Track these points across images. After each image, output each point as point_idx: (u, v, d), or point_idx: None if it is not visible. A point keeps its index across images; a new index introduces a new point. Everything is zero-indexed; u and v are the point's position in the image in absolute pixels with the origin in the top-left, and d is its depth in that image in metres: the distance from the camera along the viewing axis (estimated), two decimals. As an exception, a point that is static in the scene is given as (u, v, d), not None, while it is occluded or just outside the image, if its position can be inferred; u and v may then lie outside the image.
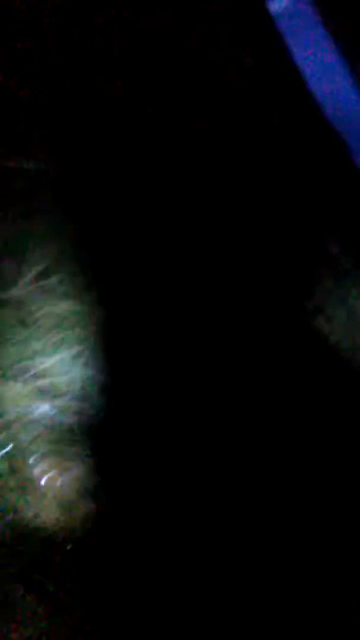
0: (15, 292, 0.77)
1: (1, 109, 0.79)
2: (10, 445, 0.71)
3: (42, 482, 0.68)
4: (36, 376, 0.76)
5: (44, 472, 0.69)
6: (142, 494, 0.69)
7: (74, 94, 0.77)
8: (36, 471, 0.70)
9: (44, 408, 0.75)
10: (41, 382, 0.76)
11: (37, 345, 0.75)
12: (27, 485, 0.67)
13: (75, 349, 0.76)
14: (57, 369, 0.75)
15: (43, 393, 0.76)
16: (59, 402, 0.74)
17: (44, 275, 0.78)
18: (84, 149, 0.78)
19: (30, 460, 0.71)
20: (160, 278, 0.73)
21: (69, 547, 0.66)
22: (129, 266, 0.75)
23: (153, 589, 0.63)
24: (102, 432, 0.72)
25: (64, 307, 0.77)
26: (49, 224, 0.78)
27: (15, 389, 0.75)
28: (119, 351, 0.76)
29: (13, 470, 0.69)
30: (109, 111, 0.75)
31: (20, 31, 0.74)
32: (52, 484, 0.68)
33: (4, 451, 0.70)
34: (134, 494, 0.69)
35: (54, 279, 0.78)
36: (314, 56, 0.55)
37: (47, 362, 0.75)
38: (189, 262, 0.68)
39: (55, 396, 0.75)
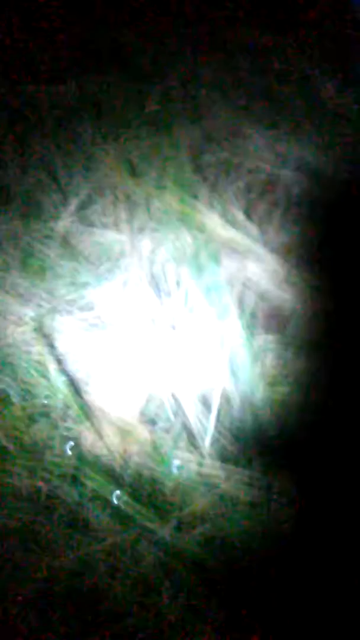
0: (60, 224, 0.77)
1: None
2: (66, 376, 0.73)
3: (103, 407, 0.71)
4: (85, 308, 0.77)
5: (104, 399, 0.71)
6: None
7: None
8: (94, 399, 0.72)
9: (95, 339, 0.76)
10: (90, 314, 0.77)
11: (84, 277, 0.76)
12: (86, 413, 0.69)
13: (121, 279, 0.76)
14: (105, 301, 0.76)
15: (93, 325, 0.77)
16: (108, 333, 0.76)
17: (85, 205, 0.78)
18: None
19: (89, 389, 0.73)
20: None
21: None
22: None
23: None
24: (156, 361, 0.73)
25: (107, 237, 0.77)
26: (89, 152, 0.77)
27: (67, 321, 0.76)
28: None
29: (74, 398, 0.71)
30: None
31: None
32: (112, 409, 0.71)
33: (62, 380, 0.72)
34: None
35: (95, 209, 0.77)
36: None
37: (95, 294, 0.76)
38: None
39: (104, 327, 0.77)
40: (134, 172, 0.76)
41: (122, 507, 0.66)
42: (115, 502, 0.66)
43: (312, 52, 0.71)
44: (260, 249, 0.72)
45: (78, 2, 0.77)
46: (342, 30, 0.71)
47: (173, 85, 0.76)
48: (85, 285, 0.77)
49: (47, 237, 0.78)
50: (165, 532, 0.65)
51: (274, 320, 0.74)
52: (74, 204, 0.78)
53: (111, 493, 0.66)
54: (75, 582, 0.66)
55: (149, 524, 0.66)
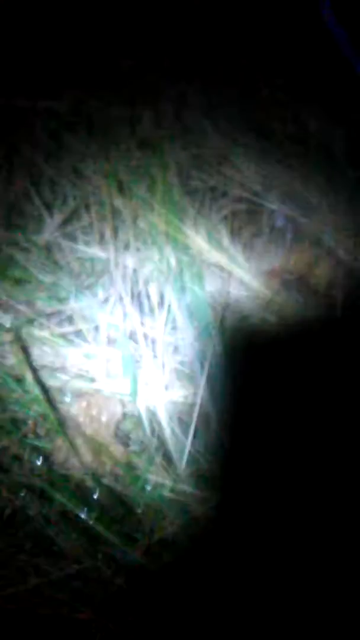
0: (44, 236, 0.76)
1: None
2: (40, 390, 0.71)
3: (77, 423, 0.69)
4: (64, 322, 0.76)
5: (77, 415, 0.69)
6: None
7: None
8: (70, 413, 0.70)
9: (72, 354, 0.75)
10: (69, 328, 0.76)
11: (65, 292, 0.75)
12: (62, 427, 0.67)
13: (103, 296, 0.76)
14: (84, 315, 0.75)
15: (71, 339, 0.76)
16: (86, 348, 0.75)
17: (70, 220, 0.78)
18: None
19: (62, 404, 0.71)
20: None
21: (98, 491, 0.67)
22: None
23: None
24: (134, 378, 0.72)
25: (91, 253, 0.77)
26: (77, 168, 0.78)
27: (44, 334, 0.75)
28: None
29: (46, 413, 0.69)
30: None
31: None
32: (87, 424, 0.69)
33: (34, 395, 0.70)
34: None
35: (80, 224, 0.77)
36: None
37: (75, 309, 0.75)
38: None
39: (83, 342, 0.75)
40: (121, 191, 0.77)
41: (91, 527, 0.64)
42: (84, 521, 0.63)
43: (300, 89, 0.75)
44: (243, 274, 0.73)
45: (76, 23, 0.79)
46: (328, 65, 0.75)
47: (165, 111, 0.78)
48: (65, 299, 0.76)
49: (29, 249, 0.77)
50: (134, 555, 0.63)
51: (254, 344, 0.75)
52: (58, 217, 0.78)
53: (81, 511, 0.64)
54: (36, 610, 0.63)
55: (117, 546, 0.63)
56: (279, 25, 0.78)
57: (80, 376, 0.72)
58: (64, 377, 0.71)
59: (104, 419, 0.68)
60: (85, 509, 0.64)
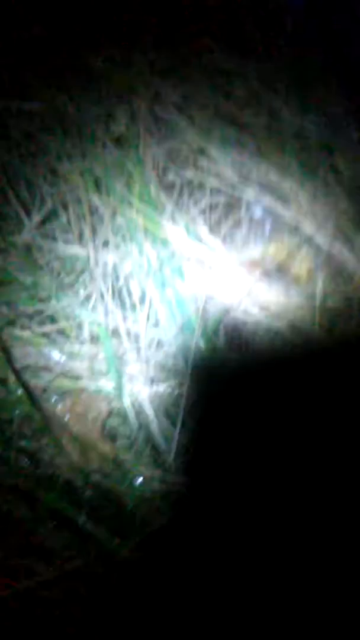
0: (22, 236, 0.76)
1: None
2: (25, 389, 0.70)
3: (63, 422, 0.68)
4: (46, 322, 0.76)
5: (63, 414, 0.69)
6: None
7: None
8: (55, 413, 0.70)
9: (56, 353, 0.74)
10: (51, 327, 0.75)
11: (45, 291, 0.75)
12: (47, 426, 0.67)
13: (84, 293, 0.75)
14: (66, 314, 0.75)
15: (53, 338, 0.75)
16: (69, 347, 0.74)
17: (49, 219, 0.77)
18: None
19: (47, 403, 0.70)
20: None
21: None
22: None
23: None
24: (119, 374, 0.72)
25: (70, 251, 0.76)
26: (53, 166, 0.77)
27: (26, 334, 0.74)
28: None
29: (31, 413, 0.68)
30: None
31: None
32: (73, 423, 0.68)
33: (18, 395, 0.69)
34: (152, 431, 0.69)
35: (58, 223, 0.77)
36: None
37: (57, 307, 0.74)
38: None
39: (66, 341, 0.75)
40: (98, 188, 0.77)
41: (81, 526, 0.63)
42: (74, 519, 0.63)
43: (272, 79, 0.76)
44: (224, 265, 0.73)
45: (48, 23, 0.79)
46: (302, 56, 0.75)
47: (139, 107, 0.78)
48: (46, 299, 0.75)
49: (8, 250, 0.77)
50: (125, 552, 0.63)
51: (237, 335, 0.75)
52: (36, 217, 0.77)
53: (70, 511, 0.63)
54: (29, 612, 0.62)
55: (108, 544, 0.63)
56: (250, 16, 0.79)
57: (64, 375, 0.72)
58: (47, 376, 0.71)
59: (90, 416, 0.67)
60: (75, 507, 0.64)
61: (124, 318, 0.74)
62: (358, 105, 0.79)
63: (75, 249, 0.77)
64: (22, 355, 0.73)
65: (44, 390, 0.70)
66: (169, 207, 0.75)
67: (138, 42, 0.80)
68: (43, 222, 0.78)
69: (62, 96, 0.81)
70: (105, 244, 0.75)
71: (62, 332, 0.75)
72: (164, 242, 0.74)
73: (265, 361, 0.72)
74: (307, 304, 0.74)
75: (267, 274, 0.75)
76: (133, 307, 0.74)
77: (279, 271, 0.75)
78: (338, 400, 0.68)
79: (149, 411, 0.68)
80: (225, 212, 0.78)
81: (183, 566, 0.62)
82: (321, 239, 0.73)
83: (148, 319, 0.73)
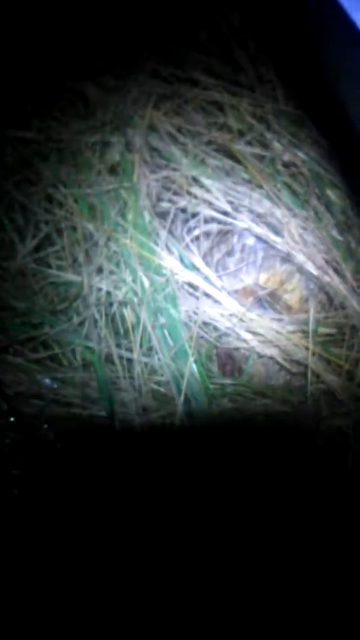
0: (16, 262, 0.76)
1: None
2: (14, 418, 0.70)
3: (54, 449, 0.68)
4: (38, 349, 0.76)
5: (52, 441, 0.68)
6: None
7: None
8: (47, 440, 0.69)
9: (46, 381, 0.74)
10: (43, 354, 0.75)
11: (38, 317, 0.75)
12: (38, 453, 0.66)
13: (77, 320, 0.75)
14: (58, 340, 0.75)
15: (46, 364, 0.75)
16: (58, 374, 0.74)
17: (43, 245, 0.78)
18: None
19: (40, 430, 0.70)
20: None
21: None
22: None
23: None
24: (109, 399, 0.71)
25: (64, 277, 0.77)
26: (48, 193, 0.78)
27: (19, 360, 0.74)
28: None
29: (21, 440, 0.68)
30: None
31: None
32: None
33: (9, 421, 0.69)
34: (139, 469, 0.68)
35: (52, 249, 0.77)
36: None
37: (50, 333, 0.74)
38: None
39: (58, 367, 0.75)
40: (93, 215, 0.77)
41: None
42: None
43: (265, 112, 0.77)
44: (217, 292, 0.74)
45: (44, 52, 0.80)
46: (296, 91, 0.77)
47: (133, 136, 0.79)
48: (39, 325, 0.75)
49: (2, 275, 0.77)
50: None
51: (230, 362, 0.75)
52: (31, 243, 0.78)
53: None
54: None
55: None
56: (242, 47, 0.81)
57: (56, 401, 0.71)
58: (39, 403, 0.71)
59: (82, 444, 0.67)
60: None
61: (117, 344, 0.74)
62: (347, 136, 0.81)
63: (69, 275, 0.77)
64: (14, 381, 0.72)
65: (35, 417, 0.70)
66: (163, 234, 0.76)
67: (134, 73, 0.81)
68: (37, 248, 0.78)
69: (57, 124, 0.83)
70: (99, 270, 0.76)
71: (54, 359, 0.75)
72: (158, 269, 0.75)
73: (258, 388, 0.73)
74: (299, 331, 0.75)
75: (259, 301, 0.76)
76: (126, 333, 0.74)
77: (271, 298, 0.76)
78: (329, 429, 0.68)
79: (141, 439, 0.68)
80: (218, 240, 0.79)
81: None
82: (312, 268, 0.74)
83: (141, 345, 0.73)
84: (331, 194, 0.78)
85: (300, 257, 0.75)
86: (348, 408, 0.71)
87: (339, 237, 0.75)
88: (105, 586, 0.62)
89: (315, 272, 0.75)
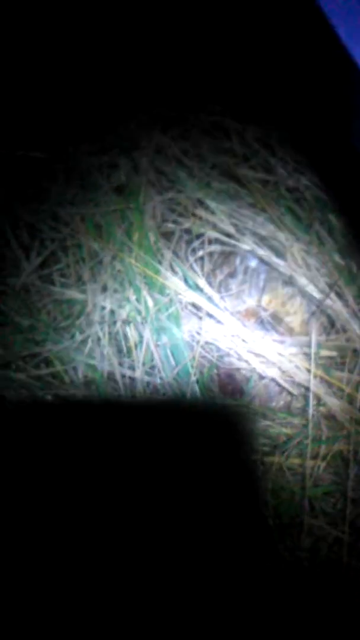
0: (21, 279, 0.77)
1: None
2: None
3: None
4: (41, 365, 0.76)
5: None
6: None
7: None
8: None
9: (49, 397, 0.74)
10: (46, 371, 0.75)
11: (42, 334, 0.75)
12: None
13: (80, 338, 0.76)
14: (61, 357, 0.75)
15: (48, 382, 0.75)
16: (60, 391, 0.74)
17: (48, 262, 0.78)
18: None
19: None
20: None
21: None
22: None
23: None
24: (107, 420, 0.71)
25: (68, 295, 0.77)
26: (55, 212, 0.79)
27: (21, 377, 0.74)
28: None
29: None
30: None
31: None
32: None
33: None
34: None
35: (57, 267, 0.78)
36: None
37: (52, 351, 0.75)
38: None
39: (60, 384, 0.75)
40: (98, 234, 0.78)
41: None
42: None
43: (270, 138, 0.79)
44: (219, 313, 0.74)
45: (51, 73, 0.82)
46: (299, 117, 0.79)
47: (140, 158, 0.81)
48: (42, 341, 0.76)
49: (6, 292, 0.77)
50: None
51: (231, 383, 0.75)
52: (36, 260, 0.78)
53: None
54: None
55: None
56: (247, 74, 0.83)
57: (56, 420, 0.71)
58: (40, 421, 0.70)
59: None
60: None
61: (120, 363, 0.74)
62: (349, 162, 0.83)
63: (73, 293, 0.77)
64: (16, 398, 0.72)
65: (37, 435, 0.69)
66: (167, 254, 0.77)
67: (142, 95, 0.83)
68: (42, 265, 0.79)
69: (66, 145, 0.84)
70: (104, 288, 0.77)
71: (56, 376, 0.75)
72: (162, 289, 0.75)
73: (259, 409, 0.73)
74: (300, 353, 0.75)
75: (261, 323, 0.76)
76: (129, 352, 0.74)
77: (273, 320, 0.77)
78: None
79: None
80: (222, 262, 0.80)
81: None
82: (314, 291, 0.75)
83: (144, 364, 0.73)
84: (333, 219, 0.80)
85: (302, 280, 0.76)
86: (349, 431, 0.71)
87: (341, 262, 0.76)
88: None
89: (317, 295, 0.76)
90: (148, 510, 0.65)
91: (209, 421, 0.72)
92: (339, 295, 0.75)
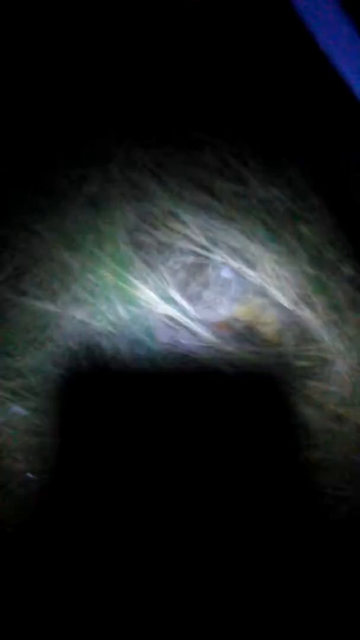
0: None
1: None
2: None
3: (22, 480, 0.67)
4: (12, 376, 0.75)
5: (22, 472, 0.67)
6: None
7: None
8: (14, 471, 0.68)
9: (16, 409, 0.73)
10: (16, 383, 0.75)
11: (12, 346, 0.74)
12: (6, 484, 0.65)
13: (51, 348, 0.75)
14: (34, 369, 0.75)
15: (18, 393, 0.74)
16: (31, 402, 0.73)
17: (19, 274, 0.78)
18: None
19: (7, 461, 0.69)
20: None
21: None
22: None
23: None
24: (74, 432, 0.71)
25: (40, 306, 0.77)
26: (26, 224, 0.79)
27: (-9, 389, 0.73)
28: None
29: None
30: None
31: None
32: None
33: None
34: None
35: (28, 278, 0.78)
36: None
37: (21, 362, 0.74)
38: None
39: (32, 396, 0.74)
40: (70, 246, 0.78)
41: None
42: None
43: (242, 150, 0.80)
44: (193, 324, 0.75)
45: (25, 88, 0.82)
46: (271, 128, 0.80)
47: (112, 171, 0.81)
48: (14, 354, 0.75)
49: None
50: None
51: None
52: (7, 272, 0.78)
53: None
54: None
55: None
56: (222, 88, 0.83)
57: (29, 431, 0.71)
58: (10, 432, 0.70)
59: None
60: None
61: (93, 374, 0.74)
62: (320, 175, 0.84)
63: (45, 305, 0.77)
64: (-13, 410, 0.71)
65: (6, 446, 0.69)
66: (140, 266, 0.77)
67: (114, 109, 0.83)
68: (14, 277, 0.78)
69: (36, 157, 0.84)
70: (75, 300, 0.76)
71: (29, 388, 0.74)
72: (134, 300, 0.75)
73: (238, 419, 0.73)
74: (277, 363, 0.76)
75: (236, 334, 0.77)
76: (101, 364, 0.74)
77: (247, 331, 0.77)
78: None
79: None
80: (194, 272, 0.80)
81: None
82: (285, 301, 0.76)
83: (117, 376, 0.73)
84: (304, 229, 0.81)
85: (273, 291, 0.76)
86: (320, 440, 0.71)
87: (311, 271, 0.77)
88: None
89: (288, 305, 0.76)
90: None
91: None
92: (310, 306, 0.76)
